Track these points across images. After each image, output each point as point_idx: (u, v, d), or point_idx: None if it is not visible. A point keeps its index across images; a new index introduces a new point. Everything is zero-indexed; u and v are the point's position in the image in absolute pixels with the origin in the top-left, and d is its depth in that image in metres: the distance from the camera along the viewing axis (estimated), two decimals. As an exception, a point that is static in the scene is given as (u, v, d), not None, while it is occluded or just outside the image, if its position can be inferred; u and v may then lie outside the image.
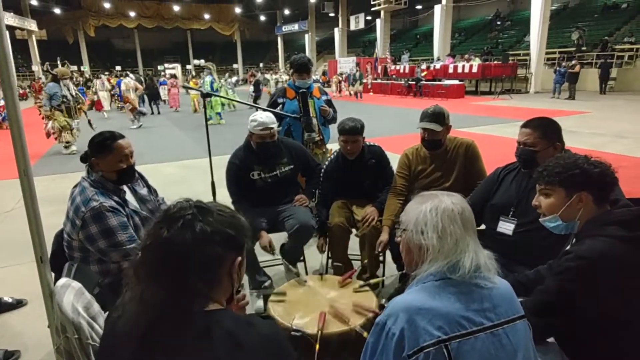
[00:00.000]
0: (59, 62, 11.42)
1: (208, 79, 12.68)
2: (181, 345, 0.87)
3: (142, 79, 17.72)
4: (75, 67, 33.21)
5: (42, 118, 8.04)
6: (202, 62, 18.74)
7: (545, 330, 1.36)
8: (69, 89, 7.91)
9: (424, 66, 20.19)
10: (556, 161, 1.47)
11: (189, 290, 0.90)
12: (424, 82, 19.14)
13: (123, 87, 12.37)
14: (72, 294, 1.43)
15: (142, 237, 2.03)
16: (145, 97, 15.60)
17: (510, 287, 1.16)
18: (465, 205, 1.14)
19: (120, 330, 0.93)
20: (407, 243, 1.18)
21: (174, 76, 19.14)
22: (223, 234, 0.95)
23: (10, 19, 24.29)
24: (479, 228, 2.19)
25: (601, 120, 10.16)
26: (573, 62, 15.97)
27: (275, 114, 3.04)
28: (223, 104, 13.57)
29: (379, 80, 22.74)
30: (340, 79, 21.77)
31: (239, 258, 0.99)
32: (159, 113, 15.70)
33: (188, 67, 38.26)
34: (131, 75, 14.67)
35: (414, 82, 19.40)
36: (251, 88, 17.39)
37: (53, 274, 1.86)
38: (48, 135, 8.00)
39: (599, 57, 19.16)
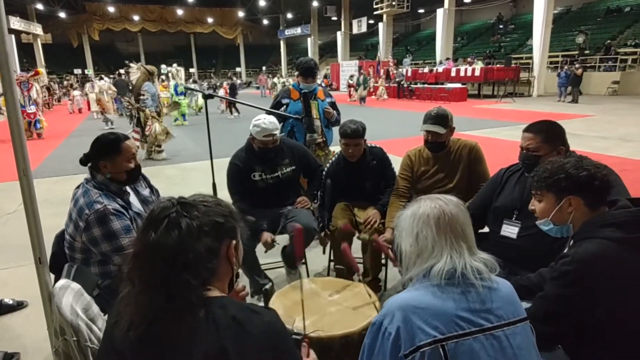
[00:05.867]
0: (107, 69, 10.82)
1: (172, 83, 13.30)
2: (186, 333, 0.87)
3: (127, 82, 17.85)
4: (79, 71, 33.53)
5: (145, 121, 7.49)
6: (164, 67, 18.57)
7: (551, 338, 1.33)
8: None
9: (426, 70, 20.27)
10: (545, 166, 1.46)
11: (184, 288, 0.89)
12: (406, 85, 19.74)
13: (96, 89, 12.50)
14: (71, 296, 1.42)
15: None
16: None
17: (512, 289, 1.15)
18: (450, 209, 1.13)
19: (117, 335, 0.92)
20: (398, 246, 1.20)
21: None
22: (211, 224, 0.94)
23: (16, 23, 24.49)
24: (482, 231, 2.19)
25: (605, 124, 10.12)
26: (576, 65, 15.94)
27: (277, 115, 3.03)
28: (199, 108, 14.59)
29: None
30: (351, 82, 21.34)
31: (233, 241, 0.99)
32: None
33: (191, 70, 38.44)
34: (105, 78, 14.87)
35: (395, 85, 19.89)
36: (222, 106, 16.41)
37: (53, 276, 1.85)
38: (152, 143, 7.52)
39: (602, 60, 19.14)
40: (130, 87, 7.84)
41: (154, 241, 0.90)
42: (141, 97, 7.30)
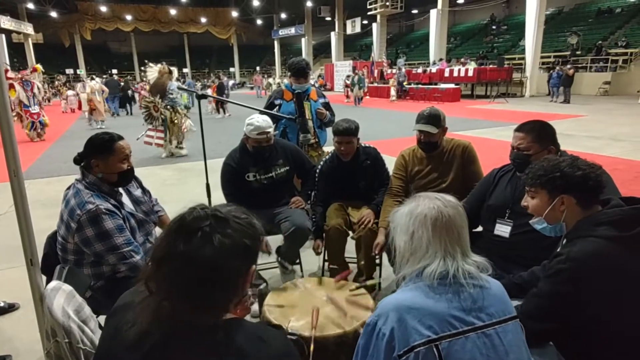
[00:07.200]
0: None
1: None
2: (200, 354, 0.85)
3: (119, 83, 17.94)
4: (71, 71, 33.24)
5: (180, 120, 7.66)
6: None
7: (542, 335, 1.35)
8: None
9: (421, 70, 20.27)
10: (541, 164, 1.46)
11: (211, 304, 0.88)
12: (408, 86, 19.74)
13: (88, 89, 12.45)
14: (63, 297, 1.41)
15: (137, 239, 1.99)
16: (113, 99, 16.09)
17: (502, 288, 1.16)
18: (447, 211, 1.13)
19: (129, 339, 0.88)
20: (392, 240, 1.20)
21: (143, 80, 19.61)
22: (241, 247, 0.91)
23: (6, 22, 24.20)
24: (476, 230, 2.20)
25: (597, 124, 10.22)
26: (568, 66, 16.09)
27: (270, 115, 3.03)
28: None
29: (375, 84, 22.78)
30: (348, 82, 20.95)
31: (253, 266, 0.97)
32: (131, 114, 16.49)
33: (185, 70, 38.28)
34: (97, 78, 14.88)
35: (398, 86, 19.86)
36: (210, 106, 16.33)
37: (44, 277, 1.83)
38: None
39: (593, 61, 19.33)
40: (149, 87, 7.84)
41: (184, 251, 0.86)
42: (171, 96, 7.36)
